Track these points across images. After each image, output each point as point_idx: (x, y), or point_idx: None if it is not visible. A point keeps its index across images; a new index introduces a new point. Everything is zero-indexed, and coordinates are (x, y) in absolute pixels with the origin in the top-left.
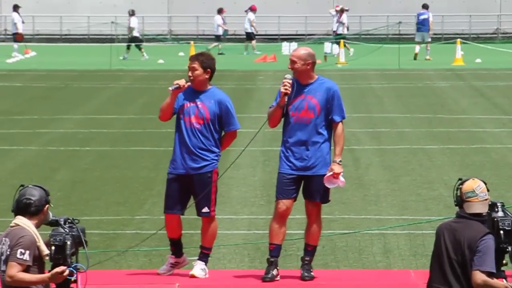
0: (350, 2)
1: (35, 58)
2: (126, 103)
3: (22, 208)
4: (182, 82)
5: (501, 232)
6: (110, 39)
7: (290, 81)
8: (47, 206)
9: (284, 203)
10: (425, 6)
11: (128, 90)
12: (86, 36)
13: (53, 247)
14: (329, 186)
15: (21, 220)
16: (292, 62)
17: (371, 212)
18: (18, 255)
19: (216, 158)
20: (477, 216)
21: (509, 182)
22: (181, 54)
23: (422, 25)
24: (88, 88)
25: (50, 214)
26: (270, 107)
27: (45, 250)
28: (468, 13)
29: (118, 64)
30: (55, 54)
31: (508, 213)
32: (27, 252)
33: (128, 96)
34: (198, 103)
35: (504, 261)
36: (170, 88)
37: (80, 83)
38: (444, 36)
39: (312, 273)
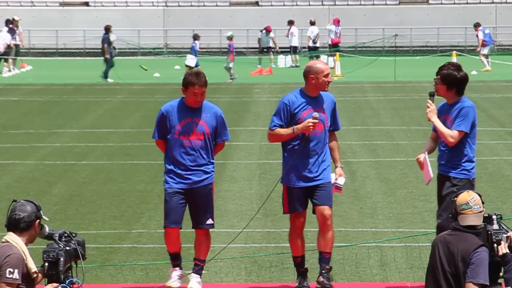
0: (346, 14)
1: (31, 72)
2: (122, 117)
3: (12, 224)
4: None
5: (495, 245)
6: None
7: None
8: (38, 221)
9: (301, 216)
10: (479, 25)
11: (125, 104)
12: (82, 50)
13: (46, 264)
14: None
15: (10, 237)
16: (329, 74)
17: (367, 224)
18: (7, 275)
19: (213, 169)
20: (471, 229)
21: (506, 194)
22: (177, 67)
23: (489, 38)
24: (84, 102)
25: (47, 228)
26: (275, 126)
27: (33, 268)
28: (464, 26)
29: (114, 77)
30: (51, 68)
31: (503, 226)
32: (16, 270)
33: (125, 110)
34: (194, 119)
35: (501, 274)
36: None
37: (76, 97)
38: (440, 48)
39: (331, 282)
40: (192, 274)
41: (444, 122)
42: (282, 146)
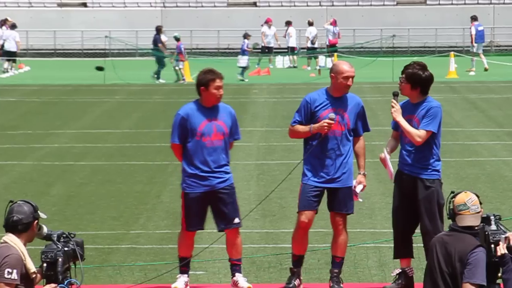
0: (344, 15)
1: (29, 73)
2: (120, 118)
3: (11, 226)
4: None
5: (492, 246)
6: (104, 54)
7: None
8: (36, 221)
9: (306, 216)
10: (476, 18)
11: (123, 104)
12: (80, 51)
13: (44, 264)
14: (360, 200)
15: (9, 238)
16: (352, 78)
17: (366, 225)
18: (5, 275)
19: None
20: (468, 229)
21: (504, 195)
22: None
23: (480, 36)
24: (82, 102)
25: (45, 228)
26: (295, 122)
27: (32, 268)
28: (462, 26)
29: (112, 78)
30: (49, 68)
31: (501, 227)
32: (15, 271)
33: (123, 111)
34: (213, 120)
35: (499, 274)
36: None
37: (74, 98)
38: (438, 49)
39: (341, 285)
40: (237, 274)
41: (408, 122)
42: (303, 144)
